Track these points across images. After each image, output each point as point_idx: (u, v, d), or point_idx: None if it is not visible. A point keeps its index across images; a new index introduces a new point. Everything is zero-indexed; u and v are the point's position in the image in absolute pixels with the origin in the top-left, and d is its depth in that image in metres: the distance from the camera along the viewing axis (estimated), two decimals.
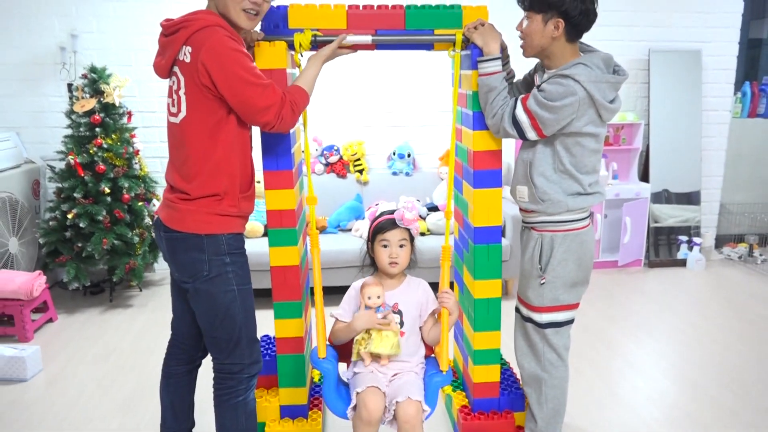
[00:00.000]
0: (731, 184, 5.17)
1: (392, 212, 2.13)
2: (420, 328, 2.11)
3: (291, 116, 1.86)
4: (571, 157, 2.06)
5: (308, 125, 4.43)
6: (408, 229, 2.11)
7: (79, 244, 3.71)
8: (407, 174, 4.54)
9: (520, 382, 2.52)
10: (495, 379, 2.39)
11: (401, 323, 2.06)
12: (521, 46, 2.13)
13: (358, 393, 1.94)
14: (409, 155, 4.56)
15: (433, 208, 4.26)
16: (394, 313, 2.06)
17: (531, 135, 2.04)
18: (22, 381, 2.97)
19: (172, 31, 1.82)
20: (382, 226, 2.09)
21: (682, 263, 4.81)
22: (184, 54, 1.78)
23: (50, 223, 3.77)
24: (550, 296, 2.15)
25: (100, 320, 3.74)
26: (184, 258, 1.87)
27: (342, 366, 2.16)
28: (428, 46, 2.27)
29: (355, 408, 1.96)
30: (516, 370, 2.67)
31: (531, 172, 2.12)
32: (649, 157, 4.77)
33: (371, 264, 2.15)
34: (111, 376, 3.03)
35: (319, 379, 2.64)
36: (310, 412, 2.41)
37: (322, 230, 4.22)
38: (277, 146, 2.17)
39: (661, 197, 4.86)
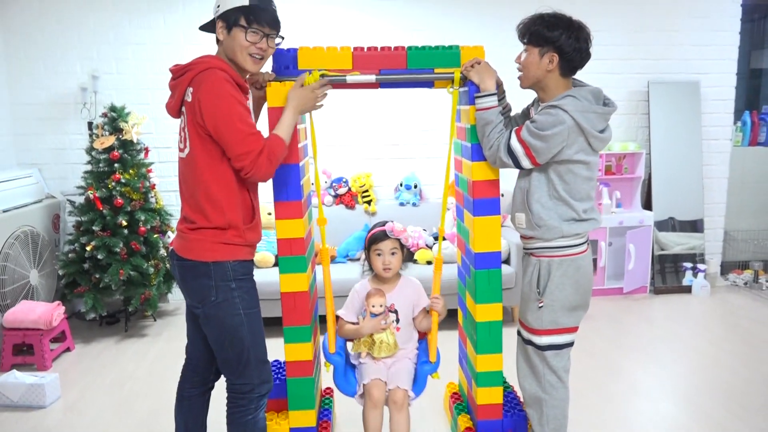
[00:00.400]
0: (735, 211, 5.25)
1: (384, 224, 2.44)
2: (413, 319, 2.47)
3: (267, 165, 1.93)
4: (565, 184, 2.17)
5: (317, 157, 4.58)
6: (398, 239, 2.42)
7: (97, 275, 3.85)
8: (414, 204, 4.66)
9: (523, 405, 2.59)
10: (498, 401, 2.46)
11: (397, 320, 2.43)
12: (519, 77, 2.27)
13: (365, 384, 2.35)
14: (415, 186, 4.69)
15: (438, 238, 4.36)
16: (391, 312, 2.41)
17: (525, 163, 2.16)
18: (41, 408, 3.06)
19: (179, 74, 1.99)
20: (375, 237, 2.43)
21: (688, 290, 4.85)
22: (188, 94, 1.95)
23: (69, 255, 3.92)
24: (548, 319, 2.24)
25: (116, 349, 3.84)
26: (193, 284, 2.00)
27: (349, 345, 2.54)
28: (429, 84, 2.41)
29: (362, 395, 2.39)
30: (519, 393, 2.74)
31: (528, 200, 2.23)
32: (652, 186, 4.87)
33: (370, 269, 2.50)
34: (127, 403, 3.12)
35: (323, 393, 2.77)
36: None
37: (332, 259, 4.32)
38: (287, 178, 2.30)
39: (668, 225, 4.94)
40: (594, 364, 3.51)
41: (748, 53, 6.23)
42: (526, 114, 2.40)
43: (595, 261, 4.77)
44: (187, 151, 1.97)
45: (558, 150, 2.10)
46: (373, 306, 2.37)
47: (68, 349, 3.80)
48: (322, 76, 2.27)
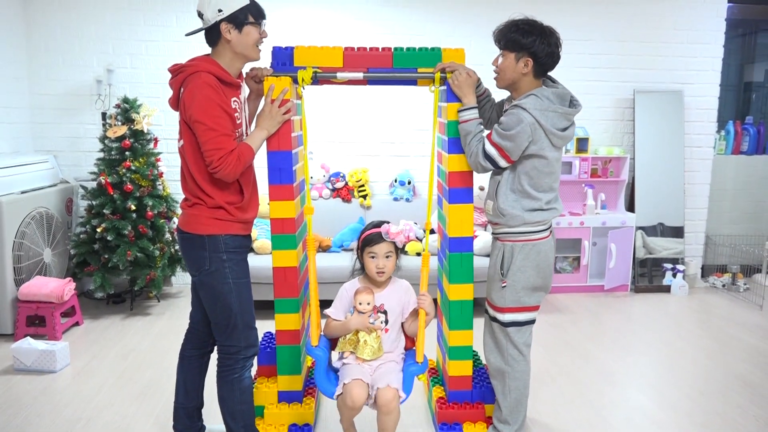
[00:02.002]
0: (717, 216, 5.48)
1: (379, 224, 2.44)
2: (402, 323, 2.46)
3: (235, 164, 2.15)
4: (529, 178, 2.41)
5: (316, 152, 4.80)
6: (393, 242, 2.42)
7: (106, 256, 4.11)
8: (407, 200, 4.90)
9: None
10: (468, 373, 2.70)
11: (386, 321, 2.41)
12: (495, 78, 2.51)
13: (345, 384, 2.26)
14: (409, 182, 4.93)
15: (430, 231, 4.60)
16: (380, 312, 2.40)
17: (502, 163, 2.40)
18: (52, 372, 3.33)
19: (176, 74, 2.25)
20: (370, 239, 2.41)
21: (667, 289, 5.08)
22: (181, 92, 2.21)
23: (81, 236, 4.20)
24: (511, 298, 2.48)
25: (121, 325, 4.11)
26: (191, 254, 2.27)
27: (334, 354, 2.51)
28: (413, 82, 2.67)
29: (341, 395, 2.28)
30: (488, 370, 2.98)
31: (497, 190, 2.47)
32: (635, 189, 5.10)
33: (361, 269, 2.50)
34: (130, 371, 3.38)
35: (311, 365, 2.98)
36: (304, 398, 2.74)
37: (327, 249, 4.57)
38: (281, 163, 2.55)
39: (656, 230, 5.17)
40: (568, 352, 3.75)
41: (741, 67, 6.46)
42: (500, 106, 2.63)
43: (578, 259, 5.01)
44: (182, 142, 2.25)
45: (525, 146, 2.34)
46: (360, 303, 2.36)
47: (77, 323, 4.07)
48: (316, 72, 2.53)
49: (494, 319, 2.54)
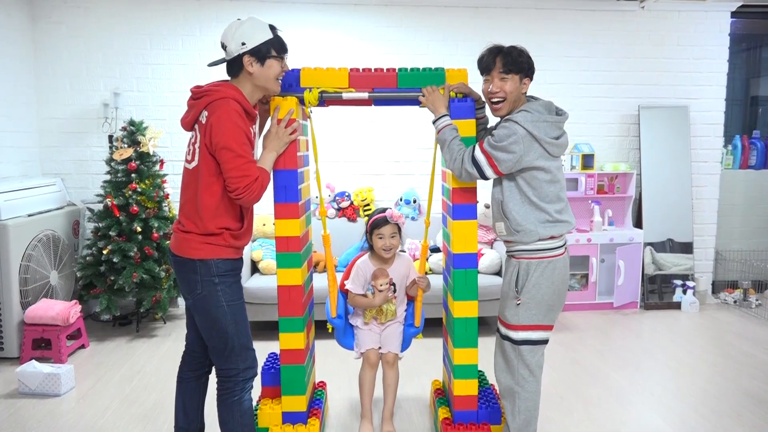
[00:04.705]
0: (726, 232, 5.42)
1: (384, 211, 2.80)
2: (405, 287, 2.91)
3: (259, 191, 2.20)
4: (533, 189, 2.40)
5: (321, 171, 4.87)
6: (397, 224, 2.79)
7: (112, 278, 4.12)
8: (413, 218, 4.89)
9: (500, 401, 2.79)
10: (473, 393, 2.66)
11: (395, 290, 2.85)
12: (497, 107, 2.46)
13: (362, 353, 2.85)
14: (414, 201, 4.93)
15: (435, 250, 4.59)
16: (391, 285, 2.82)
17: (489, 173, 2.40)
18: (56, 396, 3.31)
19: (198, 96, 2.26)
20: (377, 223, 2.79)
21: (678, 306, 5.01)
22: (203, 116, 2.22)
23: (87, 258, 4.21)
24: (525, 316, 2.45)
25: (127, 347, 4.09)
26: (183, 278, 2.27)
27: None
28: (416, 102, 2.67)
29: (359, 356, 2.88)
30: (498, 390, 2.93)
31: (504, 209, 2.46)
32: (642, 205, 5.07)
33: (369, 248, 2.89)
34: (135, 394, 3.36)
35: (316, 386, 3.07)
36: (309, 419, 2.70)
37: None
38: (287, 182, 2.55)
39: (665, 246, 5.12)
40: (577, 371, 3.69)
41: (747, 81, 6.45)
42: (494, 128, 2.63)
43: (586, 276, 4.96)
44: (194, 164, 2.25)
45: (518, 159, 2.34)
46: (381, 285, 2.79)
47: (83, 346, 4.06)
48: (322, 93, 2.55)
49: (506, 338, 2.51)
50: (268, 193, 2.58)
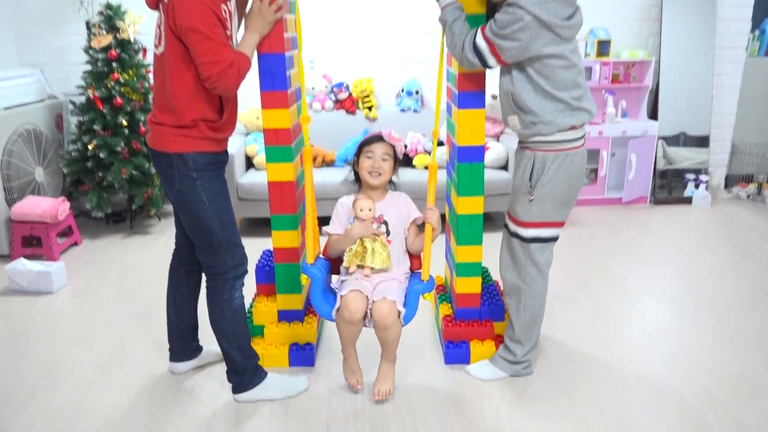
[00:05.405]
0: (744, 124, 5.13)
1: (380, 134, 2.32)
2: (405, 239, 2.29)
3: (236, 78, 1.94)
4: (545, 78, 2.14)
5: (317, 61, 4.52)
6: (393, 146, 2.27)
7: (100, 174, 3.94)
8: (415, 110, 4.62)
9: (503, 296, 2.69)
10: (476, 291, 2.55)
11: (387, 233, 2.25)
12: None
13: (342, 296, 2.12)
14: (417, 92, 4.64)
15: (438, 143, 4.36)
16: (381, 223, 2.24)
17: (491, 61, 2.14)
18: (49, 293, 3.24)
19: None
20: (368, 140, 2.28)
21: (688, 201, 4.86)
22: None
23: (72, 154, 4.01)
24: (537, 212, 2.27)
25: (121, 245, 4.00)
26: (161, 173, 2.09)
27: (335, 278, 2.37)
28: None
29: (339, 310, 2.15)
30: (502, 289, 2.83)
31: (516, 102, 2.21)
32: (659, 95, 4.77)
33: (355, 180, 2.32)
34: (129, 291, 3.28)
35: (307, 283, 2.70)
36: (306, 317, 2.62)
37: (331, 163, 4.37)
38: (273, 67, 2.30)
39: (678, 140, 4.87)
40: (584, 266, 3.59)
41: None
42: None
43: (595, 171, 4.76)
44: (161, 48, 1.99)
45: (524, 47, 2.06)
46: (361, 210, 2.21)
47: (75, 244, 3.96)
48: None
49: (515, 235, 2.35)
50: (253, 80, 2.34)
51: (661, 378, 2.44)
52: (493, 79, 2.43)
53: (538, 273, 2.35)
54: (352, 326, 2.15)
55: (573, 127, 2.19)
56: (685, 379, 2.42)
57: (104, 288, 3.33)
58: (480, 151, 2.40)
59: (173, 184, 2.06)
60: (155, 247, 3.94)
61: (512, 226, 2.36)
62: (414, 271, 2.33)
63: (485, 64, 2.17)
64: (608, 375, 2.47)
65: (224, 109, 2.07)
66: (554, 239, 2.34)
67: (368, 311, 2.13)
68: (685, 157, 4.92)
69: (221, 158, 2.15)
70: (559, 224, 2.32)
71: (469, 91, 2.34)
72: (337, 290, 2.23)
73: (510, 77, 2.19)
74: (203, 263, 2.19)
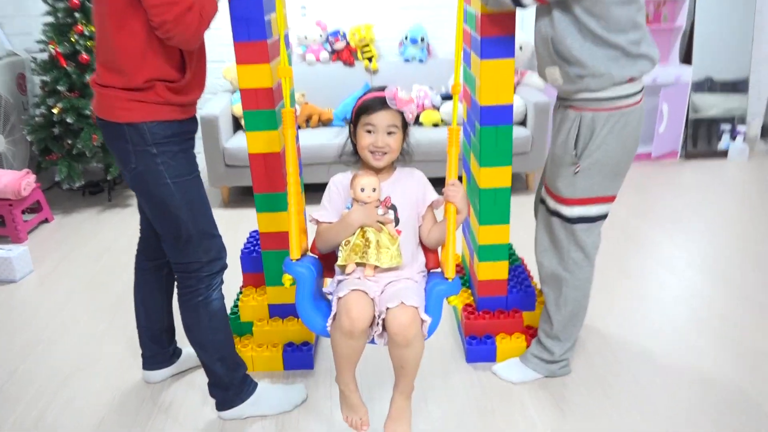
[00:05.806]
0: None
1: (383, 89, 1.61)
2: (420, 227, 1.68)
3: (198, 25, 1.50)
4: (596, 18, 1.68)
5: (309, 5, 4.00)
6: (401, 113, 1.61)
7: (69, 141, 3.51)
8: (421, 61, 4.15)
9: (532, 280, 2.30)
10: (502, 277, 2.16)
11: (396, 221, 1.64)
12: None
13: (339, 298, 1.53)
14: (422, 40, 4.14)
15: (447, 97, 3.91)
16: (388, 208, 1.63)
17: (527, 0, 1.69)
18: (11, 282, 2.86)
19: None
20: (368, 105, 1.60)
21: (723, 155, 4.41)
22: None
23: (37, 119, 3.55)
24: (583, 186, 1.85)
25: (97, 220, 3.60)
26: (112, 147, 1.67)
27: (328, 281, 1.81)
28: None
29: (335, 318, 1.55)
30: (530, 268, 2.44)
31: (557, 49, 1.75)
32: (693, 37, 4.26)
33: (354, 153, 1.69)
34: (102, 276, 2.91)
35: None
36: None
37: (328, 123, 3.92)
38: (246, 11, 1.85)
39: (704, 86, 4.39)
40: (614, 235, 3.18)
41: None
42: None
43: None
44: None
45: None
46: (362, 189, 1.59)
47: (46, 220, 3.56)
48: None
49: (555, 213, 1.93)
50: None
51: (722, 373, 2.07)
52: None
53: (584, 258, 1.95)
54: (353, 340, 1.53)
55: (631, 79, 1.74)
56: (749, 374, 2.05)
57: (75, 273, 2.95)
58: (508, 111, 1.96)
59: (128, 162, 1.64)
60: (135, 221, 3.48)
61: (552, 203, 1.94)
62: (431, 270, 1.73)
63: (518, 2, 1.71)
64: (657, 370, 2.11)
65: (187, 65, 1.62)
66: (603, 217, 1.93)
67: (377, 322, 1.53)
68: (711, 104, 4.44)
69: (187, 128, 1.71)
70: (610, 199, 1.91)
71: (494, 35, 1.88)
72: (330, 296, 1.64)
73: (550, 19, 1.73)
74: (171, 259, 1.79)
